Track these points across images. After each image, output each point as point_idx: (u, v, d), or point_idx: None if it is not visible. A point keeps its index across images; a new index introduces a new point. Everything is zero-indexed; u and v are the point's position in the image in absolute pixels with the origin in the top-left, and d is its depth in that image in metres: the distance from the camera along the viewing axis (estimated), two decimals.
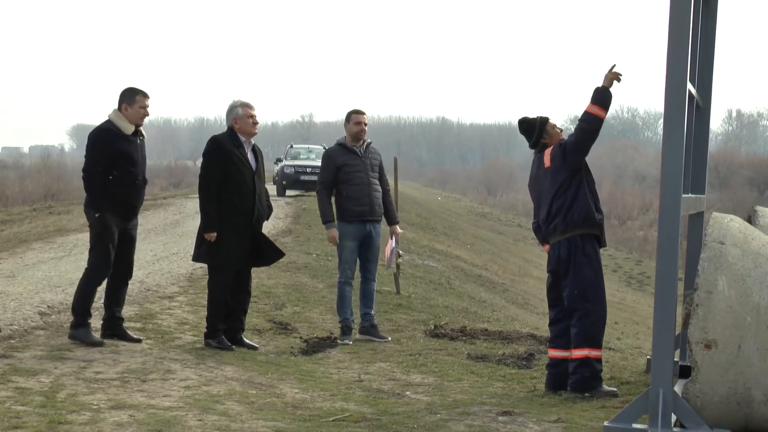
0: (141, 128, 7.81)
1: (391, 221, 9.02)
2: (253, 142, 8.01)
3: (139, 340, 7.86)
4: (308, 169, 30.04)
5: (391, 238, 9.08)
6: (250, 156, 7.93)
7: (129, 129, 7.68)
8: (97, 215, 7.59)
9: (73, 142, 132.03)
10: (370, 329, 8.86)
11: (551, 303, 6.91)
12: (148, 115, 7.81)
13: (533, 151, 6.98)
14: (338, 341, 8.63)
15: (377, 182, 8.76)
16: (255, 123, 7.94)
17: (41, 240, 15.57)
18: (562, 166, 6.65)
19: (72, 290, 9.41)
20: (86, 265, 7.77)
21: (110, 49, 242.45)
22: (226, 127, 8.00)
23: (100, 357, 7.17)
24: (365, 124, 8.76)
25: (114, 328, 7.84)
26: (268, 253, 8.09)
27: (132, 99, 7.72)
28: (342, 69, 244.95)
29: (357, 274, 8.93)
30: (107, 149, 7.58)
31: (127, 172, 7.64)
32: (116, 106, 7.76)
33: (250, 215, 7.85)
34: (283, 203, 26.27)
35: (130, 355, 7.34)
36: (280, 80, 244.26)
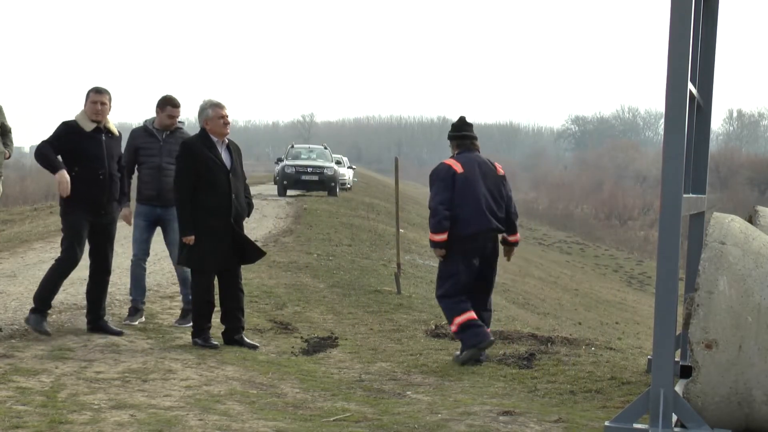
0: (108, 125, 7.90)
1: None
2: (227, 141, 8.01)
3: (120, 333, 7.99)
4: (309, 169, 30.13)
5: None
6: (224, 155, 7.91)
7: (89, 126, 7.83)
8: (62, 209, 7.87)
9: None
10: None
11: (471, 288, 7.77)
12: (99, 110, 7.81)
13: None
14: (125, 321, 8.64)
15: (173, 167, 8.39)
16: (226, 123, 7.93)
17: (42, 240, 15.56)
18: (506, 185, 8.10)
19: (72, 290, 9.46)
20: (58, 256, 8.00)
21: (111, 49, 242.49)
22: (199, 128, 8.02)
23: (101, 357, 7.18)
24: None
25: (94, 322, 8.01)
26: (249, 252, 8.12)
27: (87, 96, 7.90)
28: (342, 69, 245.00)
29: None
30: (66, 146, 7.78)
31: (89, 168, 7.78)
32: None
33: (227, 215, 7.84)
34: (284, 203, 26.28)
35: (131, 354, 7.34)
36: (280, 80, 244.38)
